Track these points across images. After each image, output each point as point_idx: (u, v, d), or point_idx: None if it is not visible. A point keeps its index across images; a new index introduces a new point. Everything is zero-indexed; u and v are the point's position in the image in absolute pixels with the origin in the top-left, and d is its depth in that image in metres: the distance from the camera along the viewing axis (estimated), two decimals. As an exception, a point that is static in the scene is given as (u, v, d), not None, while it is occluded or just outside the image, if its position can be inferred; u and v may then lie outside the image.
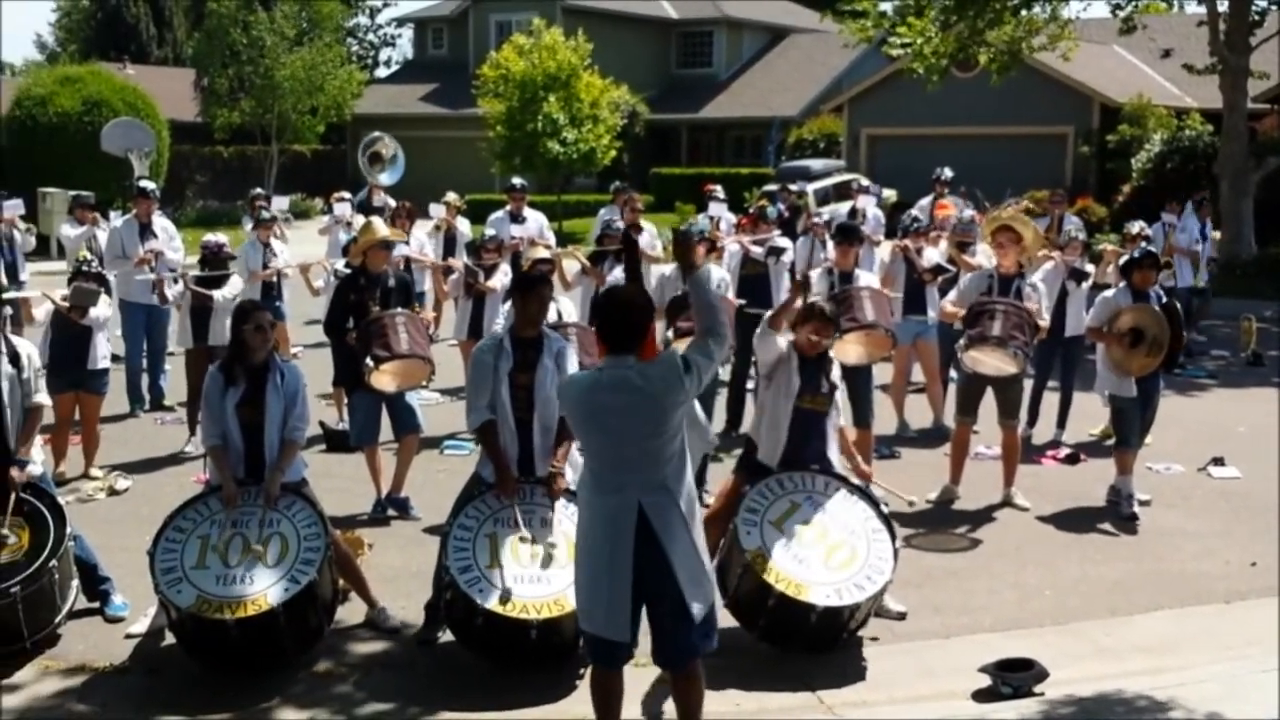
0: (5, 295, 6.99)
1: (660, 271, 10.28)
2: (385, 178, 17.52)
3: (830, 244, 10.56)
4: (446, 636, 6.42)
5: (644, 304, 5.13)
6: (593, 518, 5.04)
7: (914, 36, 24.22)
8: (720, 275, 9.54)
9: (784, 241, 11.00)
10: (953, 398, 9.70)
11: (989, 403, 8.95)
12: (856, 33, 26.15)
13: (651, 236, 13.03)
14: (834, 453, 6.86)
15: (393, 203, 15.46)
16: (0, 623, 6.21)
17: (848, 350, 8.57)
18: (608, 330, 5.04)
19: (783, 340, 6.90)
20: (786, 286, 10.61)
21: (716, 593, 5.17)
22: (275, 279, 12.34)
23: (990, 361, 8.61)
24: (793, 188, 20.01)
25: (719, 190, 15.17)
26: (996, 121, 30.42)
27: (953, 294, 9.38)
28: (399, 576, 7.33)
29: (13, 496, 6.46)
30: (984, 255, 10.90)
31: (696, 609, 4.93)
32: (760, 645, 6.35)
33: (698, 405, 5.33)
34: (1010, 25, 24.04)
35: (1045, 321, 8.98)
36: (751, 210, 12.74)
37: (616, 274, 10.69)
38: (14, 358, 6.75)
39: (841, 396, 7.08)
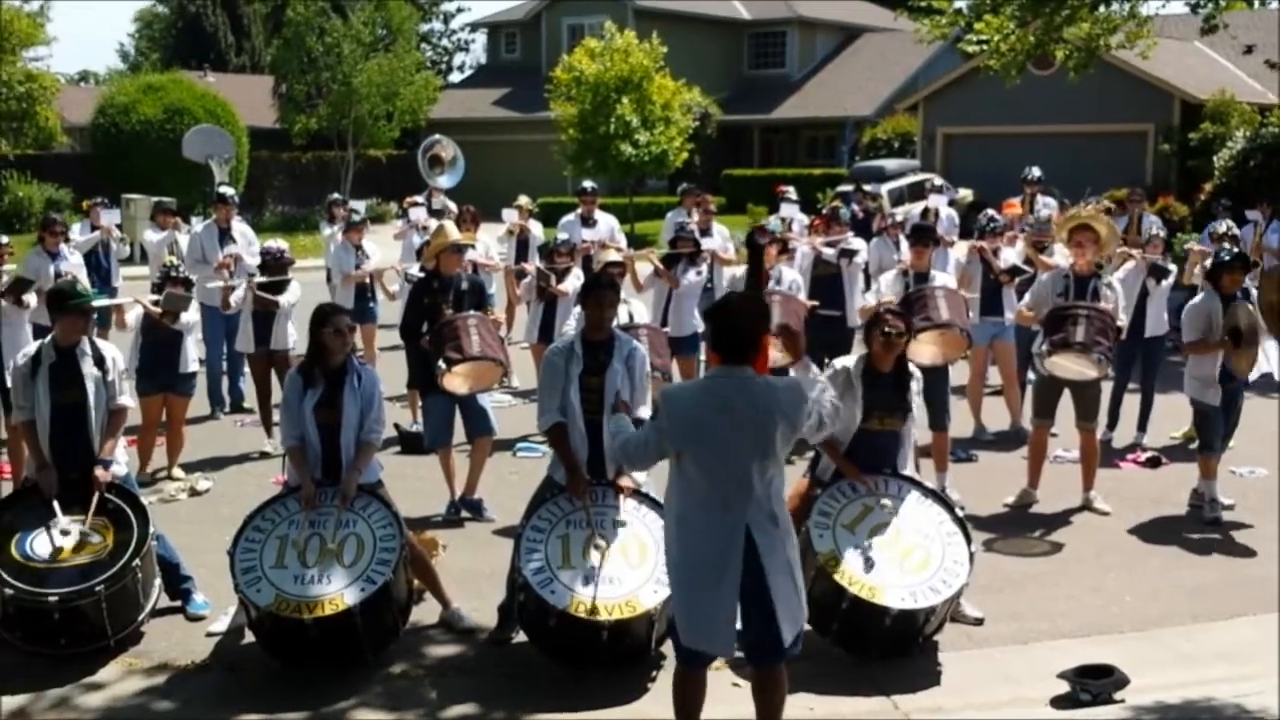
0: (97, 303, 7.12)
1: (730, 274, 10.26)
2: (445, 180, 17.57)
3: (905, 245, 10.49)
4: (520, 638, 6.46)
5: (756, 313, 5.02)
6: (697, 535, 4.91)
7: (990, 33, 23.91)
8: (792, 277, 9.54)
9: (857, 243, 10.95)
10: (1030, 400, 9.57)
11: (1068, 405, 8.82)
12: (932, 30, 25.82)
13: (724, 239, 13.01)
14: (908, 468, 6.76)
15: (452, 206, 15.56)
16: (85, 621, 6.35)
17: (922, 350, 8.44)
18: (719, 339, 4.95)
19: (849, 361, 6.77)
20: (860, 288, 10.58)
21: (805, 613, 5.12)
22: (368, 280, 12.49)
23: (1073, 367, 8.47)
24: (867, 188, 19.83)
25: (791, 191, 15.11)
26: (1075, 119, 29.87)
27: (1028, 296, 9.24)
28: (472, 577, 7.38)
29: (97, 496, 6.63)
30: (1061, 256, 10.74)
31: (786, 632, 4.92)
32: (834, 649, 6.31)
33: None
34: (1087, 23, 23.64)
35: (1123, 321, 8.83)
36: (825, 211, 12.66)
37: (690, 277, 10.71)
38: (99, 360, 6.89)
39: (918, 403, 6.96)
